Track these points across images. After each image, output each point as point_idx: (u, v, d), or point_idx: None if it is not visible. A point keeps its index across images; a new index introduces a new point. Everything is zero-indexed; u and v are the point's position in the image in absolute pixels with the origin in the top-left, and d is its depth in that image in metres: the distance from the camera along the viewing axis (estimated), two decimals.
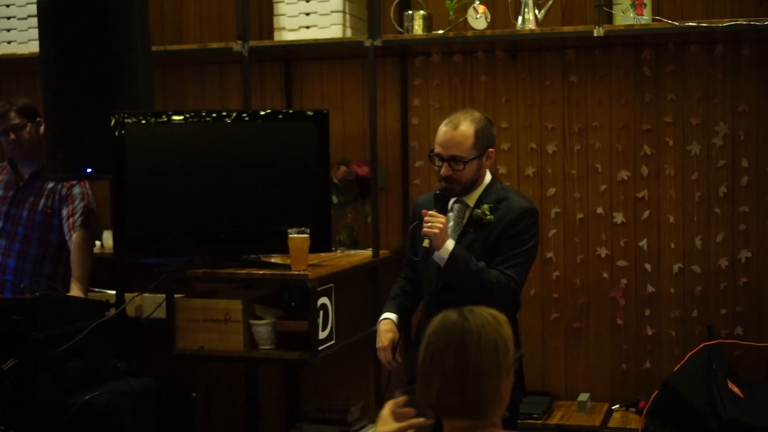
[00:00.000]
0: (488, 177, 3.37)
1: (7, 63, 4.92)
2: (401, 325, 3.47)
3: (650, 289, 4.40)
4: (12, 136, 4.34)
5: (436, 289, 3.33)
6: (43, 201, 4.34)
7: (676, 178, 4.38)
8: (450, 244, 3.18)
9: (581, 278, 4.50)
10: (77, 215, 4.27)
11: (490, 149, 3.32)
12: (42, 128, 4.32)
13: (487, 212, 3.27)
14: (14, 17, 4.86)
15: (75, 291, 4.13)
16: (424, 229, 3.17)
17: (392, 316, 3.45)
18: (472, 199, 3.33)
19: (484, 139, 3.28)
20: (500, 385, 2.13)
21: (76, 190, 4.33)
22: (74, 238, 4.24)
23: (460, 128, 3.24)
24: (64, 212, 4.30)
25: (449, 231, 3.26)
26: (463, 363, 2.10)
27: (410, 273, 3.55)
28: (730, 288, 4.33)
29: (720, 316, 4.33)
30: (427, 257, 3.27)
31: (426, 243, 3.18)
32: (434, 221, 3.16)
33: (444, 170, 3.26)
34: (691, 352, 4.09)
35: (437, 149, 3.28)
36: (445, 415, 2.16)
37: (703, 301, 4.36)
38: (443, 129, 3.28)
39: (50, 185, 4.34)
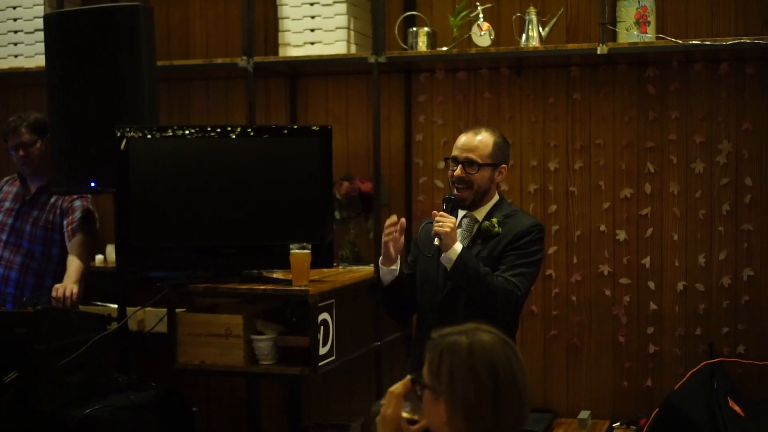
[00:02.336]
0: (497, 196, 3.44)
1: (13, 76, 4.95)
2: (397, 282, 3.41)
3: (653, 306, 4.40)
4: (21, 152, 4.34)
5: (440, 296, 3.35)
6: (45, 216, 4.35)
7: (679, 196, 4.38)
8: (458, 246, 3.24)
9: (582, 296, 4.49)
10: (75, 223, 4.28)
11: (504, 165, 3.41)
12: None
13: (496, 225, 3.35)
14: (21, 31, 4.86)
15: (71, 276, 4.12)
16: (435, 228, 3.22)
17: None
18: (480, 214, 3.40)
19: (500, 152, 3.39)
20: None
21: (77, 203, 4.33)
22: (73, 240, 4.24)
23: (480, 135, 3.38)
24: (65, 224, 4.31)
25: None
26: (524, 371, 2.01)
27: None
28: (732, 306, 4.32)
29: (722, 335, 4.32)
30: (435, 260, 3.31)
31: (436, 241, 3.22)
32: (444, 221, 3.23)
33: (458, 171, 3.35)
34: (692, 370, 4.08)
35: (454, 152, 3.39)
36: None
37: (706, 319, 4.35)
38: (464, 135, 3.41)
39: (53, 200, 4.35)
